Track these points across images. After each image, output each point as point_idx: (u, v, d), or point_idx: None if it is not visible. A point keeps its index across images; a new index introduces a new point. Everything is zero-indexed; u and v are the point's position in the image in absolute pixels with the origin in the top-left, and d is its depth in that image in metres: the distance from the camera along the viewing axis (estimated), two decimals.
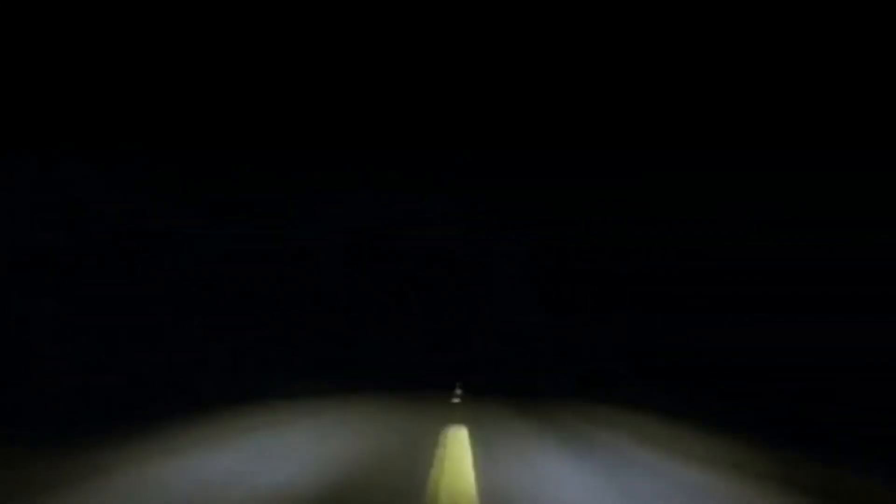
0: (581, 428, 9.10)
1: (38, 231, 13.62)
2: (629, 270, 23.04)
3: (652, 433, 8.58)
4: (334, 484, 4.99)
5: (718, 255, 17.85)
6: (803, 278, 15.29)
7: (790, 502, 4.89)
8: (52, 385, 11.82)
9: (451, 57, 18.15)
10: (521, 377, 23.38)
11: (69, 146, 13.82)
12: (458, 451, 6.51)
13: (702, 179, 17.92)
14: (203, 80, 15.92)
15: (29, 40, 12.38)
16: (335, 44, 17.25)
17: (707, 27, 15.48)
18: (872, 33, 13.43)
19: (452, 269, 28.48)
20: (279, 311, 22.16)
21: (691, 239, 18.73)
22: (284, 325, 21.97)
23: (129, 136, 14.82)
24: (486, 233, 28.45)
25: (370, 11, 16.32)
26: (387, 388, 15.80)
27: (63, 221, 14.15)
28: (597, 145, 20.28)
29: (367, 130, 20.75)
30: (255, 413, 9.39)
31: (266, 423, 8.28)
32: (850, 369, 12.63)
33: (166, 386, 13.66)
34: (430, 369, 24.32)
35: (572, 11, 16.50)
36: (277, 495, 4.62)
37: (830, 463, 6.82)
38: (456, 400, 13.30)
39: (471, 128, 21.52)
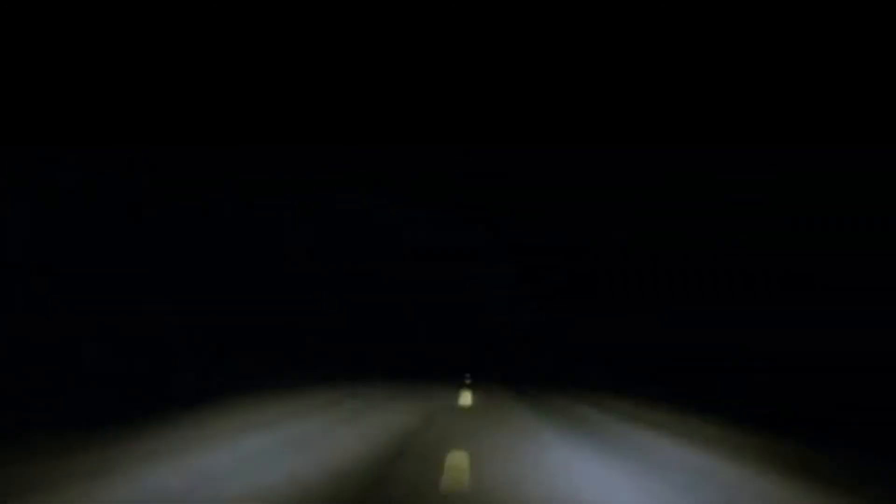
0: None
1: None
2: (627, 268, 23.06)
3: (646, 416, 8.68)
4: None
5: (717, 254, 17.73)
6: (802, 277, 15.16)
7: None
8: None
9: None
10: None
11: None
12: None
13: (700, 179, 17.82)
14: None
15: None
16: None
17: (704, 27, 15.40)
18: (872, 33, 13.34)
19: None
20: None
21: (689, 237, 18.67)
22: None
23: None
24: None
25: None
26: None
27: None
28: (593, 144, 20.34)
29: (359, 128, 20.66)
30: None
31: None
32: (852, 368, 12.49)
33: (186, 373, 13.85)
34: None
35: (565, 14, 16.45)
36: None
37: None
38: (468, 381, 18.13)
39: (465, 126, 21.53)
